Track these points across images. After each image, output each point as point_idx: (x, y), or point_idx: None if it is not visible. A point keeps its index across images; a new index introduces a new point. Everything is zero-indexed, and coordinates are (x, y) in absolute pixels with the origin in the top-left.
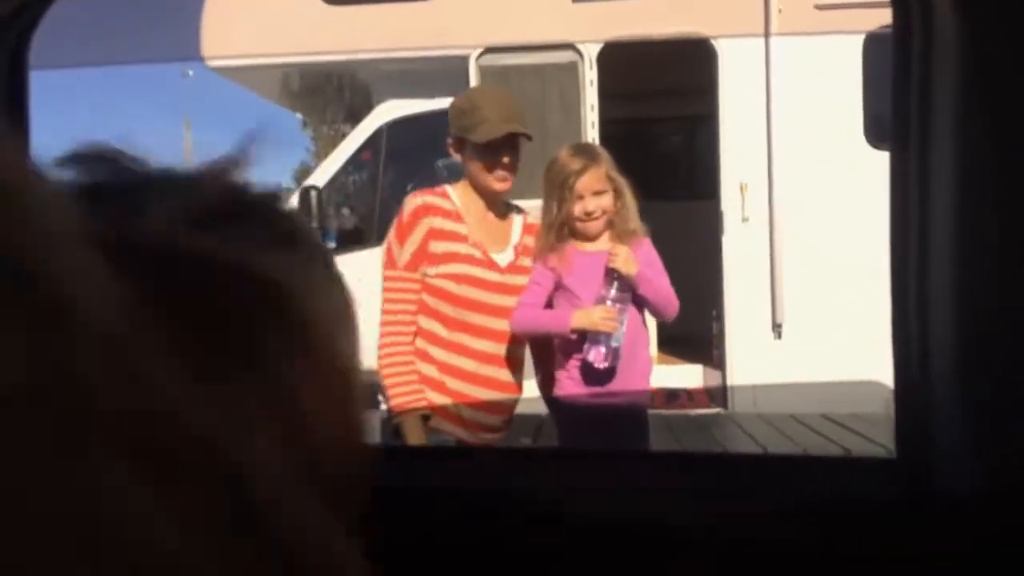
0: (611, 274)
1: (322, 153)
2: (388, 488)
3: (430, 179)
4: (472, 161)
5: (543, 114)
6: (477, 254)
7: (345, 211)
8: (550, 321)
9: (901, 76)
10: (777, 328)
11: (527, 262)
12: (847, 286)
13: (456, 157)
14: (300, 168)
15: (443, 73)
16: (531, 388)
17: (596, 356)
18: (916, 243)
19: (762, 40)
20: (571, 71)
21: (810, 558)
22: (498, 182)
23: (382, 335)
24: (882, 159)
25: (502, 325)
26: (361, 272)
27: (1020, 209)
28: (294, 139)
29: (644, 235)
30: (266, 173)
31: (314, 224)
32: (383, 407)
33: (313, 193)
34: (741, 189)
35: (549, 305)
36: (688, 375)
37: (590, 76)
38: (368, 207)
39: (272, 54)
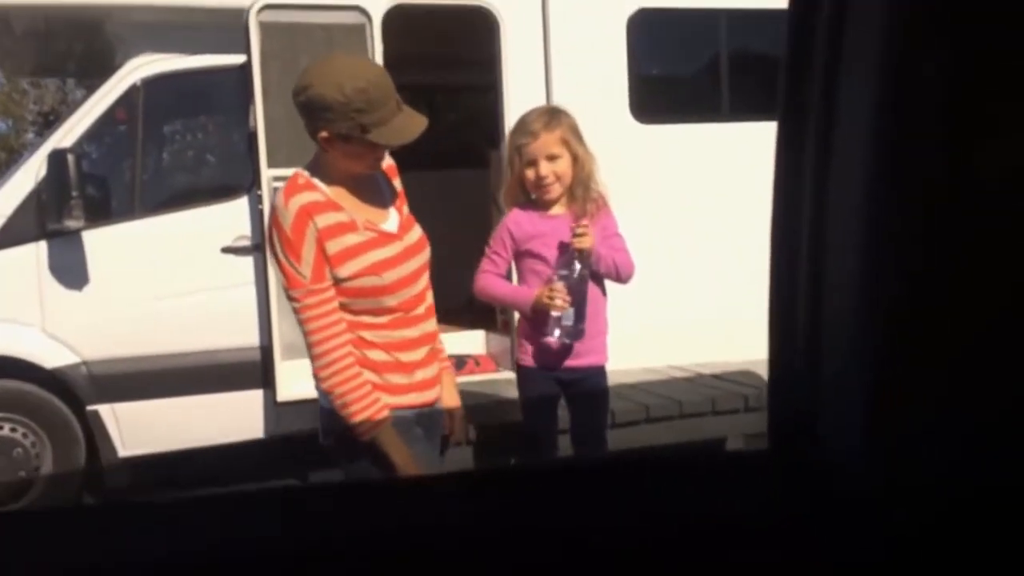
0: (571, 253)
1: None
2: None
3: (200, 142)
4: (355, 151)
5: None
6: (372, 235)
7: (95, 178)
8: (513, 296)
9: (801, 41)
10: None
11: (406, 209)
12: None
13: (322, 146)
14: None
15: (212, 27)
16: None
17: (551, 334)
18: (808, 225)
19: (540, 11)
20: (358, 33)
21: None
22: (376, 166)
23: (318, 356)
24: (648, 133)
25: (422, 284)
26: (122, 249)
27: (944, 199)
28: None
29: (604, 201)
30: None
31: (73, 194)
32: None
33: (70, 157)
34: None
35: (508, 272)
36: (471, 341)
37: (377, 40)
38: (126, 173)
39: None
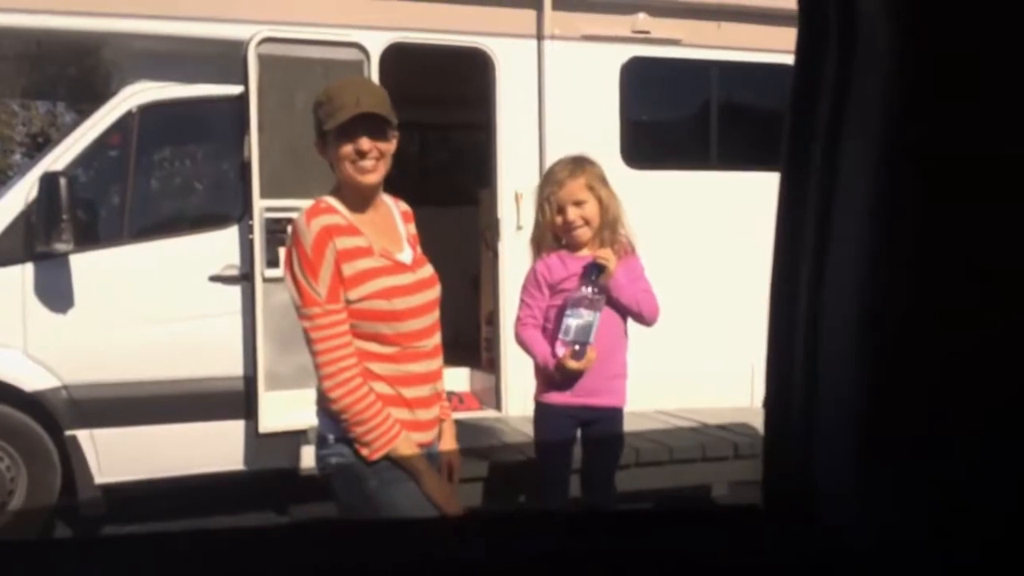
0: (588, 275)
1: None
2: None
3: (192, 171)
4: (336, 157)
5: None
6: (386, 263)
7: (85, 202)
8: (543, 357)
9: (806, 91)
10: None
11: (419, 249)
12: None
13: (325, 160)
14: None
15: (209, 57)
16: None
17: (556, 350)
18: (809, 268)
19: (536, 55)
20: (356, 69)
21: None
22: (363, 174)
23: (330, 376)
24: (638, 179)
25: (431, 319)
26: (109, 274)
27: (943, 255)
28: None
29: (631, 247)
30: None
31: (64, 217)
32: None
33: (62, 181)
34: (516, 199)
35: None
36: (455, 378)
37: (375, 76)
38: (116, 199)
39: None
